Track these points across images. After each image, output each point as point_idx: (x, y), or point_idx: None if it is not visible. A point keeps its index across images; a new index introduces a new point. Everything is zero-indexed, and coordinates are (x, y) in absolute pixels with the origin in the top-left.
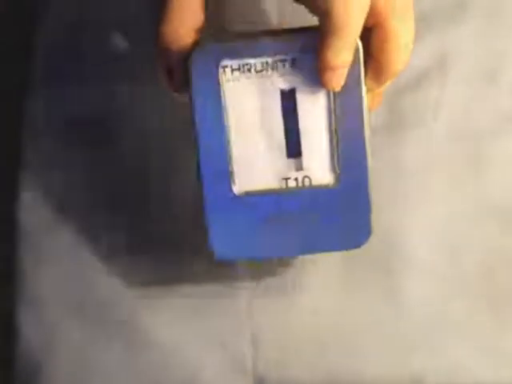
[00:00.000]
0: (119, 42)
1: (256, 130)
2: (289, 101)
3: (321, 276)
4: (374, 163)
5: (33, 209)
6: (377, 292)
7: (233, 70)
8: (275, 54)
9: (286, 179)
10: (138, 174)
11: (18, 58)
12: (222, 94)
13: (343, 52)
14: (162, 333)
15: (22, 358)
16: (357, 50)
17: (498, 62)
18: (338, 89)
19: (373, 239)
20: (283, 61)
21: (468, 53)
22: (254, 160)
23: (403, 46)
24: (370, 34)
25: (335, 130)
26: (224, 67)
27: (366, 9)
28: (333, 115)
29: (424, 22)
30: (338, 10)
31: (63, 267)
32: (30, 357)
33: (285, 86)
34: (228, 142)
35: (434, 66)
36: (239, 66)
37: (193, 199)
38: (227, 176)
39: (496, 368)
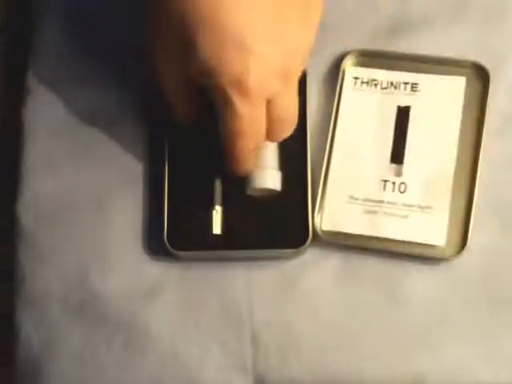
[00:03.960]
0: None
1: (367, 133)
2: (403, 116)
3: (321, 276)
4: None
5: (33, 209)
6: (377, 292)
7: (362, 83)
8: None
9: (385, 181)
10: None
11: (19, 59)
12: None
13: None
14: (162, 332)
15: (22, 358)
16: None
17: (497, 62)
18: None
19: None
20: (406, 83)
21: (468, 53)
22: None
23: (289, 122)
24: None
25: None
26: (355, 78)
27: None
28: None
29: (426, 23)
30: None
31: (63, 267)
32: (30, 356)
33: (402, 103)
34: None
35: None
36: (368, 80)
37: None
38: None
39: (496, 368)
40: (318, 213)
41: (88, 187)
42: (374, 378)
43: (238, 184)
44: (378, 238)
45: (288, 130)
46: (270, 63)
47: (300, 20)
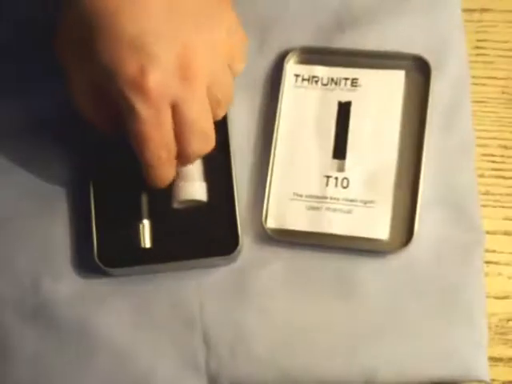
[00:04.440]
0: None
1: (310, 130)
2: (344, 111)
3: (270, 274)
4: None
5: None
6: (327, 288)
7: (303, 80)
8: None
9: (328, 177)
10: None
11: None
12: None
13: None
14: (114, 335)
15: None
16: None
17: (439, 54)
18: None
19: None
20: (346, 79)
21: (412, 46)
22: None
23: (199, 132)
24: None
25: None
26: (296, 75)
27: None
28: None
29: (370, 18)
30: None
31: (16, 272)
32: None
33: (343, 98)
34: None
35: None
36: (309, 77)
37: None
38: None
39: (446, 361)
40: (265, 211)
41: (36, 195)
42: (325, 374)
43: (164, 196)
44: (323, 234)
45: (202, 141)
46: (166, 63)
47: (198, 18)
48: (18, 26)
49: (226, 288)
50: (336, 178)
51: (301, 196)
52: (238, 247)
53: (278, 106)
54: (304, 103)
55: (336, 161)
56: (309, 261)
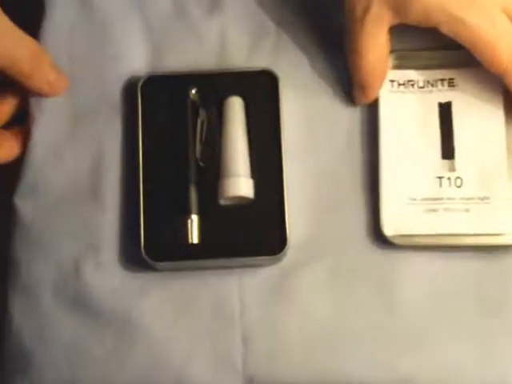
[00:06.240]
0: None
1: (414, 133)
2: (445, 112)
3: (311, 278)
4: None
5: (30, 198)
6: (366, 294)
7: (399, 85)
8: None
9: (440, 178)
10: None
11: None
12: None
13: None
14: (153, 329)
15: (13, 347)
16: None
17: None
18: None
19: None
20: (442, 80)
21: None
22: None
23: None
24: None
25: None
26: (391, 81)
27: None
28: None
29: None
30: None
31: (57, 256)
32: (22, 346)
33: (443, 99)
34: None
35: None
36: (404, 81)
37: None
38: None
39: (485, 369)
40: (381, 218)
41: (86, 179)
42: (362, 380)
43: (213, 192)
44: (444, 235)
45: None
46: None
47: None
48: None
49: (268, 288)
50: (449, 178)
51: (415, 200)
52: (286, 248)
53: (378, 112)
54: (403, 108)
55: (446, 161)
56: (352, 262)
